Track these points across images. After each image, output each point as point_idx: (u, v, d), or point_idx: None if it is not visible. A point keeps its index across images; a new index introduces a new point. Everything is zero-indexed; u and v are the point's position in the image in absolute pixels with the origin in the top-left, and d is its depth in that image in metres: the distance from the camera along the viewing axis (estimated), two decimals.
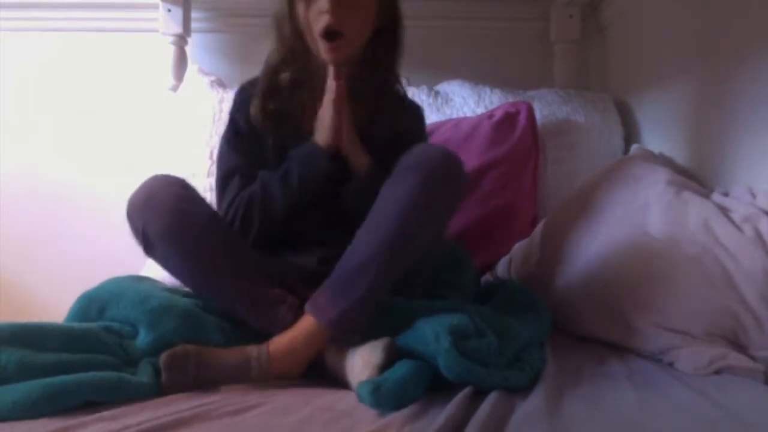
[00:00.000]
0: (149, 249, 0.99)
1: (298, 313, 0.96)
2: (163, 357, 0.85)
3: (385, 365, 0.84)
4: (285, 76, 1.09)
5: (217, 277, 0.98)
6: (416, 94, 1.69)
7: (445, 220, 1.00)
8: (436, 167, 0.94)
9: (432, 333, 0.86)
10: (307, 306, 0.94)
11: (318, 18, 1.02)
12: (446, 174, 0.95)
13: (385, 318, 0.95)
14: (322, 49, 1.04)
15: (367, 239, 0.94)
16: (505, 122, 1.57)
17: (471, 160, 1.49)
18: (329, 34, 1.02)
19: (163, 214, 0.96)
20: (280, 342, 0.92)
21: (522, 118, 1.58)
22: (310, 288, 0.97)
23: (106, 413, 0.74)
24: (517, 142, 1.55)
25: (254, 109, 1.09)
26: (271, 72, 1.10)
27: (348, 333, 0.92)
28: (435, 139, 1.51)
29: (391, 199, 0.94)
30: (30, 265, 1.86)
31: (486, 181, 1.52)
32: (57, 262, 1.86)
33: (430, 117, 1.62)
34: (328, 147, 1.05)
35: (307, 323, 0.93)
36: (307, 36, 1.06)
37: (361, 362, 0.86)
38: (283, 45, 1.09)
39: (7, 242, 1.84)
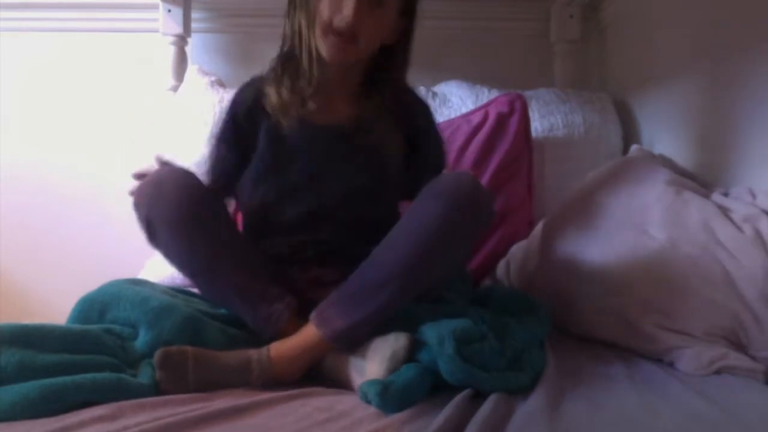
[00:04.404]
0: (153, 234, 0.98)
1: (293, 314, 0.97)
2: (156, 354, 0.85)
3: (405, 362, 0.85)
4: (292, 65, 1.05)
5: (217, 266, 0.98)
6: None
7: (467, 249, 0.98)
8: (463, 198, 0.93)
9: (436, 336, 0.86)
10: (313, 316, 0.94)
11: (336, 15, 0.98)
12: (473, 206, 0.94)
13: (389, 320, 0.94)
14: (327, 44, 1.00)
15: (386, 258, 0.94)
16: (498, 124, 1.54)
17: (464, 164, 1.49)
18: (343, 33, 0.98)
19: (172, 200, 0.96)
20: (282, 348, 0.92)
21: (514, 121, 1.54)
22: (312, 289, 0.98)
23: (105, 414, 0.74)
24: (511, 144, 1.53)
25: (273, 97, 1.05)
26: (283, 60, 1.07)
27: (349, 345, 0.92)
28: None
29: (414, 223, 0.94)
30: (30, 265, 1.86)
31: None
32: (57, 262, 1.86)
33: None
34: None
35: (310, 332, 0.93)
36: (314, 29, 1.01)
37: (378, 359, 0.86)
38: (293, 35, 1.05)
39: (7, 242, 1.84)
